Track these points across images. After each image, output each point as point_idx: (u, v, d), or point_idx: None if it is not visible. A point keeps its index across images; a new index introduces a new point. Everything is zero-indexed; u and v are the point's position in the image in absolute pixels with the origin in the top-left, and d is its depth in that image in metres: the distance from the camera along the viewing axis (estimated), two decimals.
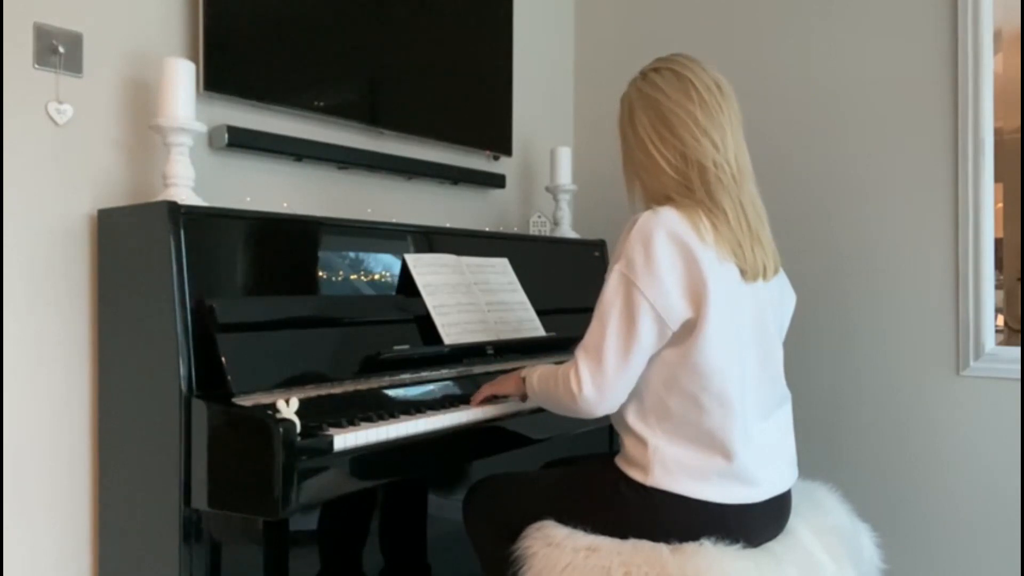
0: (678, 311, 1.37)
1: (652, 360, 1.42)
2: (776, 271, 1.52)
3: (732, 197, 1.44)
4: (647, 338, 1.37)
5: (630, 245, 1.38)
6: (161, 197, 1.62)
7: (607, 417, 1.51)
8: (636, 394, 1.44)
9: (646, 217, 1.39)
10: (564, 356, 1.49)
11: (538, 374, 1.54)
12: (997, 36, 2.17)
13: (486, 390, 1.70)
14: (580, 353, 1.41)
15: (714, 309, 1.36)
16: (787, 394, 1.57)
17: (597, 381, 1.38)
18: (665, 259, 1.36)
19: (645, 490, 1.41)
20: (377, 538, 1.88)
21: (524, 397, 1.66)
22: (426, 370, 1.81)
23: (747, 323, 1.44)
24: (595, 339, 1.40)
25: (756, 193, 1.50)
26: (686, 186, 1.44)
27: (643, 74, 1.54)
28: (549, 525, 1.49)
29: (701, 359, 1.37)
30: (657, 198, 1.48)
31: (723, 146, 1.44)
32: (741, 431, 1.40)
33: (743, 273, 1.43)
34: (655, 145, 1.47)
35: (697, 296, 1.36)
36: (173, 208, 1.52)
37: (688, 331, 1.38)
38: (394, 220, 2.21)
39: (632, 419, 1.45)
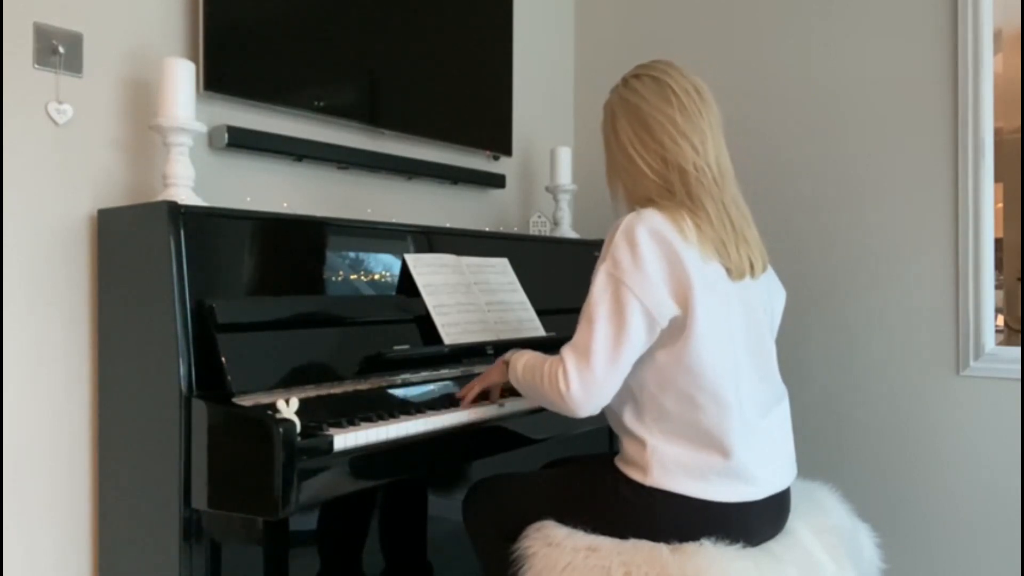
0: (666, 307, 1.37)
1: (645, 363, 1.42)
2: (764, 268, 1.53)
3: (714, 199, 1.45)
4: (636, 336, 1.37)
5: (615, 246, 1.39)
6: (161, 197, 1.62)
7: (604, 417, 1.51)
8: (632, 397, 1.44)
9: (630, 218, 1.40)
10: None
11: (523, 363, 1.51)
12: (997, 36, 2.17)
13: (475, 389, 1.67)
14: (568, 352, 1.40)
15: (702, 308, 1.37)
16: (784, 391, 1.57)
17: (585, 381, 1.37)
18: (651, 256, 1.37)
19: (644, 490, 1.41)
20: (377, 538, 1.88)
21: (507, 385, 1.64)
22: (426, 370, 1.81)
23: (737, 321, 1.44)
24: (583, 339, 1.39)
25: (739, 194, 1.52)
26: (667, 189, 1.47)
27: (624, 81, 1.56)
28: (549, 525, 1.49)
29: (693, 358, 1.38)
30: (640, 201, 1.50)
31: (703, 149, 1.46)
32: (739, 428, 1.41)
33: (729, 272, 1.44)
34: (636, 150, 1.49)
35: (683, 294, 1.37)
36: (173, 208, 1.52)
37: (678, 331, 1.38)
38: (394, 220, 2.21)
39: (629, 421, 1.45)
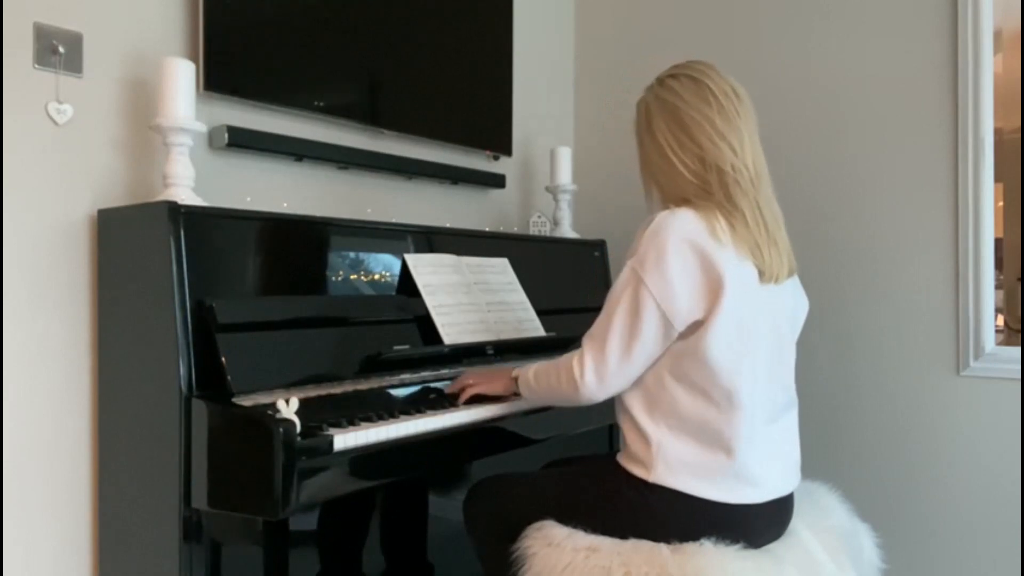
0: (685, 312, 1.37)
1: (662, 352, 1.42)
2: (790, 274, 1.52)
3: (750, 200, 1.45)
4: (650, 335, 1.38)
5: (644, 243, 1.40)
6: (161, 197, 1.62)
7: (608, 416, 1.52)
8: (644, 389, 1.45)
9: (663, 217, 1.40)
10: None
11: (534, 370, 1.57)
12: (997, 36, 2.17)
13: (471, 389, 1.69)
14: (586, 341, 1.45)
15: (729, 306, 1.37)
16: (795, 400, 1.57)
17: (599, 370, 1.42)
18: (677, 260, 1.37)
19: (647, 487, 1.42)
20: (377, 538, 1.88)
21: (508, 395, 1.69)
22: (426, 370, 1.81)
23: (760, 323, 1.44)
24: (601, 329, 1.43)
25: (772, 196, 1.51)
26: (704, 189, 1.45)
27: (660, 80, 1.55)
28: (549, 525, 1.49)
29: (708, 352, 1.38)
30: (675, 201, 1.49)
31: (741, 150, 1.46)
32: (747, 431, 1.41)
33: (761, 274, 1.43)
34: (673, 150, 1.48)
35: (713, 295, 1.37)
36: (173, 208, 1.52)
37: (696, 324, 1.39)
38: (394, 220, 2.21)
39: (638, 414, 1.45)
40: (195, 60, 1.76)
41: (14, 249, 1.60)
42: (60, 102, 1.66)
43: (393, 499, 1.92)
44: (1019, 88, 2.15)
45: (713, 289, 1.37)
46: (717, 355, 1.38)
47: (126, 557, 1.61)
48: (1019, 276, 2.20)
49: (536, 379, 1.56)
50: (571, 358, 1.46)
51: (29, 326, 1.62)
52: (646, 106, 1.55)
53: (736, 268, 1.38)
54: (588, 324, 1.48)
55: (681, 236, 1.37)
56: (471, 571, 1.77)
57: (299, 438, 1.34)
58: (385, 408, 1.61)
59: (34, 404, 1.63)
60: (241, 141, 1.89)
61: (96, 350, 1.70)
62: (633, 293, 1.39)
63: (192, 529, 1.49)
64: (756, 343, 1.43)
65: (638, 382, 1.45)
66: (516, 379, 1.63)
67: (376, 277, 1.88)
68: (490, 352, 1.93)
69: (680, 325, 1.38)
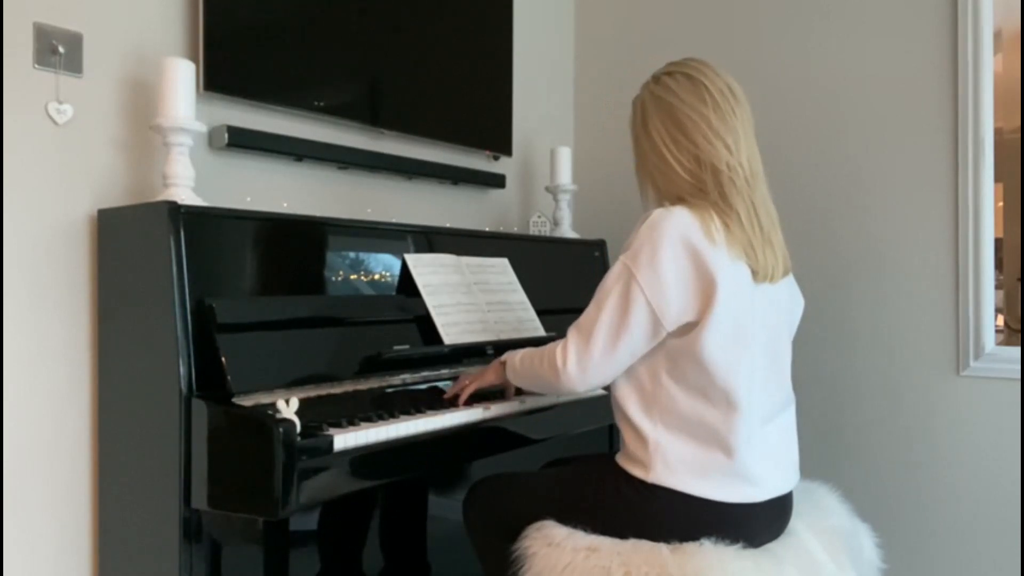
0: (676, 313, 1.37)
1: (657, 350, 1.42)
2: (785, 274, 1.52)
3: (745, 199, 1.44)
4: (638, 331, 1.38)
5: (639, 239, 1.40)
6: (161, 197, 1.62)
7: (608, 416, 1.52)
8: (640, 388, 1.45)
9: (658, 214, 1.40)
10: None
11: (521, 354, 1.58)
12: (997, 36, 2.17)
13: (470, 388, 1.70)
14: (572, 331, 1.45)
15: (723, 307, 1.36)
16: (792, 398, 1.57)
17: (582, 360, 1.42)
18: (670, 260, 1.36)
19: (646, 487, 1.42)
20: (377, 538, 1.88)
21: (505, 385, 1.70)
22: (426, 370, 1.81)
23: (756, 323, 1.44)
24: (588, 320, 1.43)
25: (768, 196, 1.50)
26: (699, 188, 1.45)
27: (655, 78, 1.54)
28: (549, 525, 1.49)
29: (704, 352, 1.38)
30: (671, 199, 1.49)
31: (736, 149, 1.45)
32: (745, 429, 1.40)
33: (754, 274, 1.43)
34: (668, 148, 1.48)
35: (706, 295, 1.36)
36: (173, 208, 1.52)
37: (690, 325, 1.39)
38: (394, 220, 2.21)
39: (635, 413, 1.45)
40: (195, 60, 1.76)
41: (14, 249, 1.60)
42: (60, 102, 1.66)
43: (393, 499, 1.92)
44: (1019, 88, 2.15)
45: (705, 291, 1.37)
46: (714, 355, 1.38)
47: (126, 557, 1.61)
48: (1019, 276, 2.20)
49: (521, 362, 1.57)
50: (556, 346, 1.46)
51: (29, 326, 1.62)
52: (642, 104, 1.54)
53: (729, 269, 1.38)
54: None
55: (676, 235, 1.37)
56: (471, 571, 1.77)
57: (299, 438, 1.34)
58: (385, 408, 1.61)
59: (34, 404, 1.63)
60: (241, 141, 1.89)
61: (96, 350, 1.70)
62: (624, 288, 1.39)
63: (192, 529, 1.49)
64: (752, 342, 1.43)
65: (634, 382, 1.45)
66: (504, 364, 1.63)
67: (376, 277, 1.88)
68: (490, 352, 1.93)
69: (670, 325, 1.38)
